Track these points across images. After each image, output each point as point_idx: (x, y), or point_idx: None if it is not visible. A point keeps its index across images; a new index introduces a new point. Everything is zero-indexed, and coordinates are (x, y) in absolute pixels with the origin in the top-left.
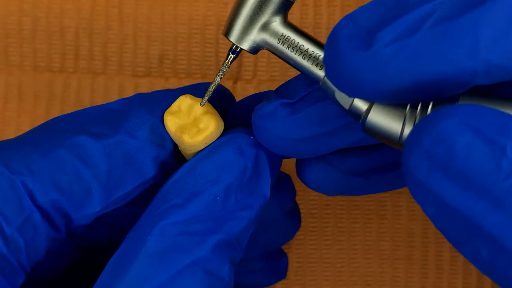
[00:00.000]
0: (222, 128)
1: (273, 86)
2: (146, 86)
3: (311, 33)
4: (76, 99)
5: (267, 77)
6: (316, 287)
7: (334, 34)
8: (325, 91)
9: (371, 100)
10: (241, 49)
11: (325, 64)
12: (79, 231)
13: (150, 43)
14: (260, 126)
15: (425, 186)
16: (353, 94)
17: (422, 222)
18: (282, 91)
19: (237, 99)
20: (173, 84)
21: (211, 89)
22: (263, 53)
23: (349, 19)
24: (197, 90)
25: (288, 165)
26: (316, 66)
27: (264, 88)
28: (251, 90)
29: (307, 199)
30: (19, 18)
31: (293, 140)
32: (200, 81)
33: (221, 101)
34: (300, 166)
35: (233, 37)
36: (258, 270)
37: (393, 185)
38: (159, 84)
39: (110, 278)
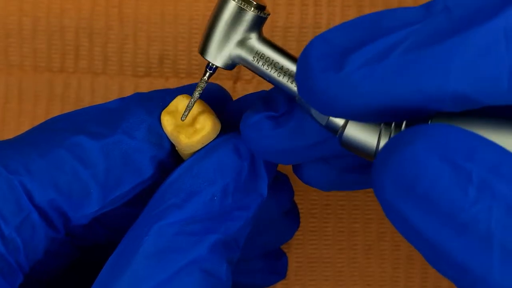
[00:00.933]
0: (219, 128)
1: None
2: (146, 86)
3: (311, 33)
4: (76, 99)
5: None
6: (316, 287)
7: (306, 54)
8: (302, 107)
9: (345, 118)
10: (217, 66)
11: (297, 83)
12: (77, 231)
13: (150, 43)
14: (247, 136)
15: (393, 206)
16: (326, 113)
17: None
18: (269, 100)
19: None
20: (173, 84)
21: (191, 104)
22: None
23: (321, 39)
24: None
25: (286, 165)
26: (292, 84)
27: (264, 88)
28: (251, 90)
29: (307, 199)
30: (19, 18)
31: (279, 151)
32: None
33: (218, 101)
34: None
35: (208, 56)
36: (258, 270)
37: None
38: (159, 84)
39: (108, 278)
